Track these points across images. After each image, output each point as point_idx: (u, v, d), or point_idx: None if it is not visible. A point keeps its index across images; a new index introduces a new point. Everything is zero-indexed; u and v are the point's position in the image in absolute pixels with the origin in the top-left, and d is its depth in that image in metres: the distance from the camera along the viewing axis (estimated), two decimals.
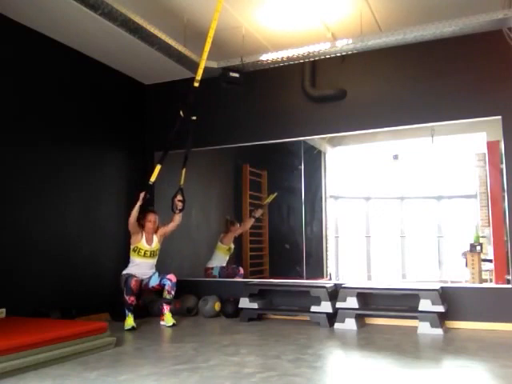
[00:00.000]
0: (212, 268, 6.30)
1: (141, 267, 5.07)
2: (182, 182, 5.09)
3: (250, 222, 6.73)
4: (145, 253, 5.08)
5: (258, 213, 6.76)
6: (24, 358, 3.21)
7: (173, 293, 5.06)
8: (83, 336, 3.69)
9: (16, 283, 4.63)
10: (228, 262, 6.43)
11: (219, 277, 6.24)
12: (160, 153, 5.12)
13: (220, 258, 6.40)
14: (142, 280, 5.06)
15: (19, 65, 4.85)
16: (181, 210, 5.12)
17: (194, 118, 4.92)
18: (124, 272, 5.05)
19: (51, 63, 5.19)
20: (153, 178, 4.89)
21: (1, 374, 3.04)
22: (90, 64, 5.66)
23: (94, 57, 5.66)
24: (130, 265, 5.10)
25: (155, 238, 5.18)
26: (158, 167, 4.86)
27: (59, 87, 5.29)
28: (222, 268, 6.30)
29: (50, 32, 5.02)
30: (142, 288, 5.11)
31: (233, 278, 6.25)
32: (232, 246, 6.52)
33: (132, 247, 5.10)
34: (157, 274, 5.15)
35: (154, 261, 5.18)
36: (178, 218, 5.17)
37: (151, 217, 5.11)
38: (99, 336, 3.84)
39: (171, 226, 5.24)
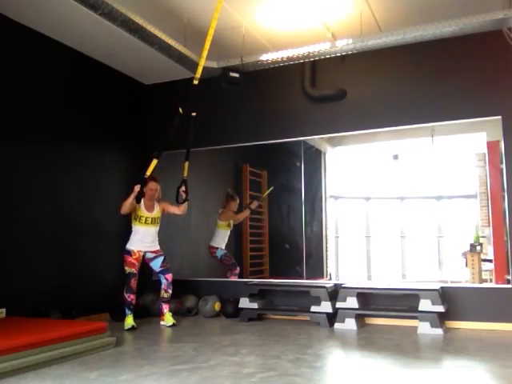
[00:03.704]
0: (216, 248, 6.36)
1: (143, 235, 5.00)
2: (185, 174, 5.10)
3: (245, 213, 6.74)
4: (146, 219, 5.01)
5: (254, 204, 6.78)
6: (24, 358, 3.21)
7: (170, 291, 5.06)
8: (83, 336, 3.70)
9: (16, 283, 4.63)
10: (227, 247, 6.44)
11: (220, 260, 6.31)
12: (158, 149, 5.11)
13: (222, 236, 6.44)
14: (144, 253, 5.02)
15: (19, 65, 4.85)
16: (184, 200, 5.11)
17: (194, 114, 4.93)
18: (127, 246, 4.98)
19: (51, 63, 5.19)
20: (148, 172, 4.88)
21: (1, 374, 3.04)
22: (90, 64, 5.66)
23: (94, 57, 5.66)
24: (132, 235, 5.02)
25: (156, 207, 5.12)
26: (155, 162, 4.85)
27: (59, 87, 5.29)
28: (224, 253, 6.34)
29: (50, 32, 5.03)
30: (145, 261, 5.04)
31: (228, 272, 6.29)
32: (231, 221, 6.54)
33: (133, 216, 5.01)
34: (162, 258, 5.09)
35: (156, 229, 5.11)
36: (182, 207, 5.14)
37: (152, 185, 5.03)
38: (99, 336, 3.84)
39: (174, 210, 5.18)
